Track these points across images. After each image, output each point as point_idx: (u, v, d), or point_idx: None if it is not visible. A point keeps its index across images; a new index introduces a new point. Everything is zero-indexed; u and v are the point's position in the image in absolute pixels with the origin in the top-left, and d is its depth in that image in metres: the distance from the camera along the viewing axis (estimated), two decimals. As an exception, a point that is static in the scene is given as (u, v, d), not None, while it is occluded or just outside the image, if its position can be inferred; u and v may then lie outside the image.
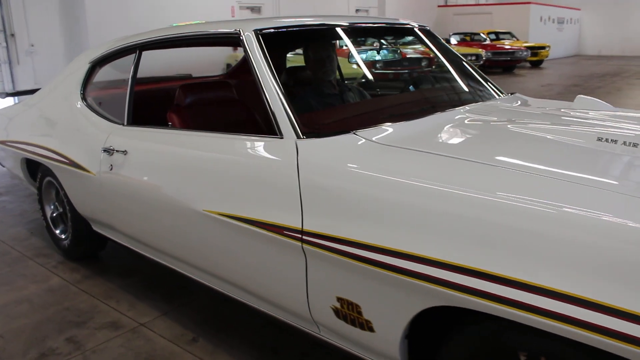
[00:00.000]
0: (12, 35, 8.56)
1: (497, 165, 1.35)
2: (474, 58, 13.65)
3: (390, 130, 1.67)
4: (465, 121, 1.84)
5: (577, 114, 1.96)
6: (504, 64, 15.54)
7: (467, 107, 2.00)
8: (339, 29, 2.13)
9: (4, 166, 3.59)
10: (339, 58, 2.49)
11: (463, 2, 22.69)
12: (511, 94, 2.42)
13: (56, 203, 3.03)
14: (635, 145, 1.48)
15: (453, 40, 16.07)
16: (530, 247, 1.10)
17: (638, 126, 1.73)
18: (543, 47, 17.25)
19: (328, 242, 1.41)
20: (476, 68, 2.50)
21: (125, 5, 9.51)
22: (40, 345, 2.14)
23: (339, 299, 1.46)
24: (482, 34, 16.72)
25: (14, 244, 3.23)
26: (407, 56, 9.04)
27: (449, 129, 1.75)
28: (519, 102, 2.25)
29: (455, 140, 1.64)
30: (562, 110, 2.04)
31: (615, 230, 1.05)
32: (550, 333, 1.08)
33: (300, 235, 1.47)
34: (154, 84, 3.43)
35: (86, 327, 2.27)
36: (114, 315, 2.36)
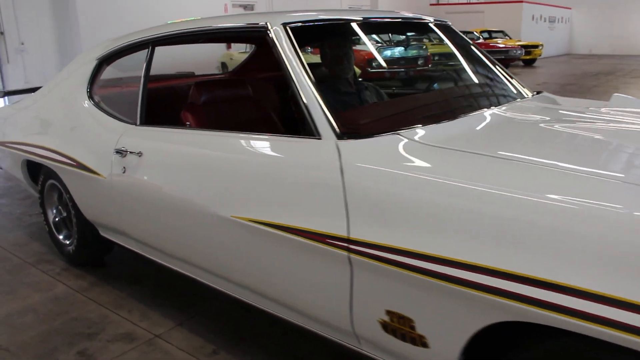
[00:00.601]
0: (2, 33, 8.33)
1: (559, 167, 1.25)
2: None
3: (433, 130, 1.57)
4: (508, 121, 1.74)
5: (620, 112, 1.87)
6: (497, 62, 15.53)
7: (504, 107, 1.91)
8: (368, 24, 2.02)
9: (1, 167, 3.43)
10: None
11: (455, 1, 22.70)
12: (537, 92, 2.33)
13: (59, 207, 2.88)
14: None
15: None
16: (618, 258, 1.01)
17: None
18: (536, 46, 17.29)
19: (378, 252, 1.30)
20: (503, 67, 2.40)
21: (115, 1, 9.31)
22: (50, 360, 2.01)
23: (389, 312, 1.35)
24: (475, 33, 16.71)
25: (14, 250, 3.07)
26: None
27: (494, 129, 1.65)
28: (554, 101, 2.16)
29: (505, 141, 1.54)
30: (602, 109, 1.95)
31: None
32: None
33: (346, 244, 1.36)
34: (157, 82, 3.29)
35: (98, 339, 2.14)
36: (127, 326, 2.23)
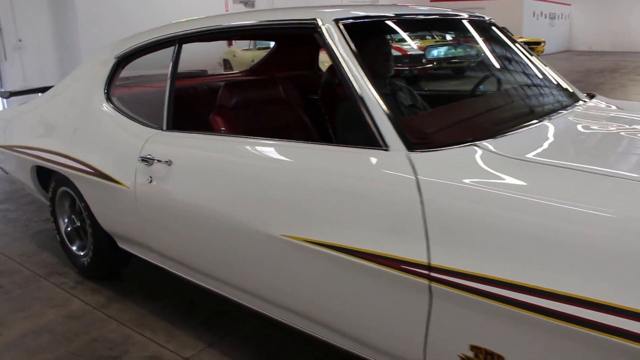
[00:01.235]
0: (-1, 29, 8.08)
1: None
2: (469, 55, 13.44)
3: (509, 140, 1.41)
4: (586, 129, 1.57)
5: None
6: (500, 59, 15.38)
7: (569, 112, 1.74)
8: (424, 20, 1.85)
9: (6, 172, 3.24)
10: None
11: (455, -3, 22.52)
12: (588, 94, 2.17)
13: (72, 216, 2.70)
14: None
15: (447, 36, 15.85)
16: None
17: None
18: (539, 43, 17.14)
19: (466, 281, 1.13)
20: (552, 68, 2.24)
21: (116, -3, 9.07)
22: (72, 389, 1.83)
23: (474, 348, 1.19)
24: (476, 30, 16.55)
25: (23, 261, 2.89)
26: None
27: (576, 138, 1.49)
28: (617, 105, 1.99)
29: (596, 153, 1.38)
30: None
31: None
32: None
33: (427, 272, 1.19)
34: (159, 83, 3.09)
35: (122, 363, 1.97)
36: (153, 348, 2.05)
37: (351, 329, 1.45)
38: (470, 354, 1.20)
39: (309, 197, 1.42)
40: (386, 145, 1.35)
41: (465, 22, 2.06)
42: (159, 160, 1.89)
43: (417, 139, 1.35)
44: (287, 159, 1.53)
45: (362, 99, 1.41)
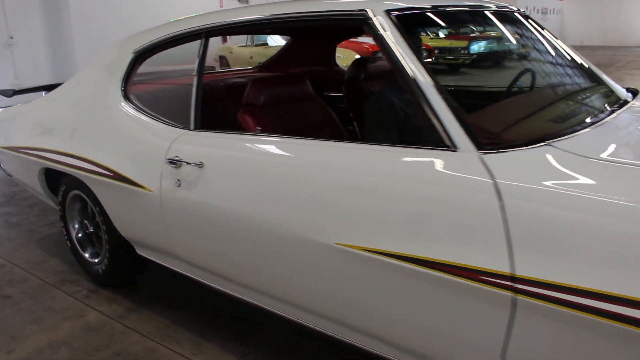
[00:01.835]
0: (-11, 26, 7.84)
1: None
2: (465, 52, 13.35)
3: (581, 139, 1.31)
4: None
5: None
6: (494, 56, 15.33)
7: (629, 109, 1.65)
8: (475, 12, 1.74)
9: (9, 175, 3.08)
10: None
11: (447, -7, 22.45)
12: (627, 89, 2.08)
13: (84, 221, 2.56)
14: None
15: (440, 33, 15.73)
16: None
17: None
18: (532, 38, 17.12)
19: (555, 293, 1.04)
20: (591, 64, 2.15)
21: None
22: (99, 410, 1.71)
23: (560, 367, 1.09)
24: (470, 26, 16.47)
25: (31, 268, 2.74)
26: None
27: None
28: None
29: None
30: None
31: None
32: None
33: (510, 283, 1.09)
34: (181, 79, 2.96)
35: (149, 380, 1.85)
36: (181, 363, 1.94)
37: (412, 342, 1.35)
38: (556, 373, 1.10)
39: (365, 202, 1.31)
40: (454, 146, 1.24)
41: (510, 15, 1.96)
42: (188, 163, 1.77)
43: (486, 139, 1.25)
44: (340, 161, 1.41)
45: (424, 95, 1.30)
